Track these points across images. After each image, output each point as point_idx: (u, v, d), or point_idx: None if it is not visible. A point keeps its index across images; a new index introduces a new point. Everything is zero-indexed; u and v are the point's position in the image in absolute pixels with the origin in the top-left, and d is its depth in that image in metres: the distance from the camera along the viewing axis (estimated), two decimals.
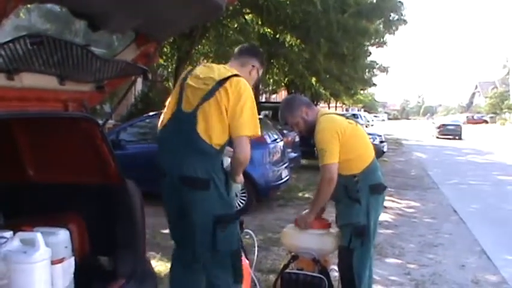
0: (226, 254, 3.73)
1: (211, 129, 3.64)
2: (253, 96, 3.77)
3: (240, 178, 3.97)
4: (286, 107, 4.72)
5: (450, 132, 42.38)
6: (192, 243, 3.86)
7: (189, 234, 3.84)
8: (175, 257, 4.23)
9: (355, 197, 4.39)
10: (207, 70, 3.84)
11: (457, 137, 41.23)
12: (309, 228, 4.65)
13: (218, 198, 3.66)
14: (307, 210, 4.74)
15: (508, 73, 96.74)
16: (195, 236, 3.77)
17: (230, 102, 3.63)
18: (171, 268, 4.28)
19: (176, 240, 4.22)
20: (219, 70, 3.81)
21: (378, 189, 4.48)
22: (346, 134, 4.38)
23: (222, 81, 3.67)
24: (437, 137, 42.20)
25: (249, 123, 3.68)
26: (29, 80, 2.89)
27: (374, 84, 40.36)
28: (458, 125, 44.04)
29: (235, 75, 3.76)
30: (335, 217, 4.68)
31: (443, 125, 44.65)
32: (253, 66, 4.12)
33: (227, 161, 3.92)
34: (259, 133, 3.78)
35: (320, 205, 4.59)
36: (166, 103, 3.96)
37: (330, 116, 4.63)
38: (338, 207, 4.63)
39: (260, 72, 4.22)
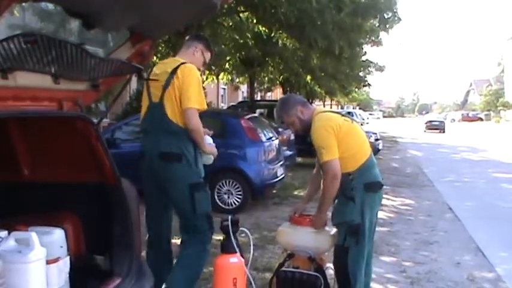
0: (203, 216, 4.44)
1: (176, 112, 4.37)
2: (199, 77, 4.50)
3: (209, 149, 4.57)
4: (282, 106, 4.76)
5: (435, 126, 52.04)
6: (166, 228, 4.74)
7: (166, 218, 4.72)
8: (148, 245, 4.76)
9: (349, 195, 4.37)
10: (162, 66, 4.62)
11: (441, 131, 50.09)
12: (321, 227, 4.65)
13: (189, 168, 4.39)
14: (314, 213, 4.71)
15: (503, 71, 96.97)
16: (176, 208, 4.57)
17: (180, 82, 4.35)
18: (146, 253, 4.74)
19: (150, 226, 4.75)
20: (170, 63, 4.56)
21: (373, 187, 4.45)
22: (342, 131, 4.37)
23: (173, 71, 4.38)
24: (425, 131, 50.87)
25: (195, 97, 4.36)
26: (23, 79, 2.88)
27: (369, 85, 40.49)
28: (442, 121, 55.42)
29: (183, 63, 4.45)
30: (331, 215, 4.65)
31: (430, 121, 56.21)
32: (196, 47, 4.75)
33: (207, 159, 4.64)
34: (206, 107, 4.51)
35: (328, 204, 4.53)
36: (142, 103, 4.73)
37: (326, 114, 4.62)
38: (333, 205, 4.61)
39: (206, 55, 4.81)
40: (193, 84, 4.35)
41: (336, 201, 4.56)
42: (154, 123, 4.46)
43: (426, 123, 54.56)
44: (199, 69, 4.62)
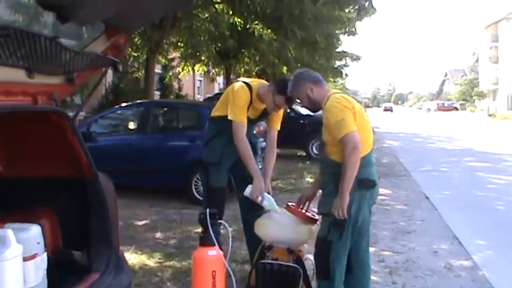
0: (203, 190, 5.60)
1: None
2: (238, 94, 5.09)
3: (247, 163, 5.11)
4: (293, 81, 4.66)
5: (388, 109, 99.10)
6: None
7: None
8: None
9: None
10: None
11: (390, 111, 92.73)
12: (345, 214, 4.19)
13: (205, 149, 5.48)
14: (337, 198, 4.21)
15: (477, 61, 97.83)
16: None
17: None
18: None
19: None
20: None
21: (366, 184, 4.28)
22: (358, 115, 4.22)
23: None
24: (383, 111, 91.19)
25: (230, 111, 5.06)
26: None
27: (346, 75, 40.56)
28: (391, 106, 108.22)
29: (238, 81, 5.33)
30: (317, 204, 4.53)
31: (385, 106, 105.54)
32: (269, 87, 5.17)
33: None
34: (235, 119, 5.01)
35: (351, 179, 4.11)
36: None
37: (344, 95, 4.44)
38: (321, 195, 4.50)
39: (276, 98, 5.06)
40: (231, 99, 5.12)
41: (325, 190, 4.43)
42: None
43: (384, 108, 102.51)
44: (274, 110, 5.28)
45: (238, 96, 5.08)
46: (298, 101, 4.80)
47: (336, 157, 4.25)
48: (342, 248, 4.33)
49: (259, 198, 4.91)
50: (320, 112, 4.53)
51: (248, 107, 5.13)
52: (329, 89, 4.58)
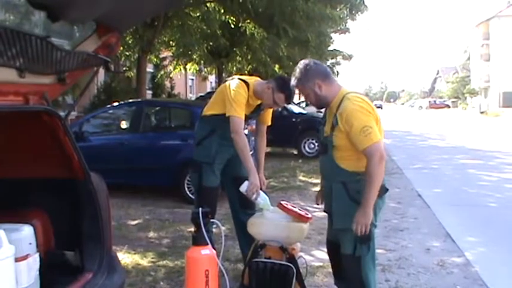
0: (194, 190, 5.51)
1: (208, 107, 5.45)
2: (237, 90, 5.05)
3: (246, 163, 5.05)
4: (300, 75, 4.19)
5: (378, 106, 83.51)
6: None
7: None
8: None
9: (355, 198, 3.98)
10: None
11: (380, 108, 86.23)
12: (367, 230, 3.92)
13: (196, 149, 5.45)
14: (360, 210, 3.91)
15: (469, 58, 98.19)
16: None
17: None
18: None
19: None
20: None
21: (380, 192, 4.03)
22: (377, 115, 4.03)
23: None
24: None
25: (229, 107, 5.03)
26: None
27: (337, 73, 40.63)
28: (381, 104, 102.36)
29: (245, 83, 5.17)
30: (333, 218, 4.24)
31: (375, 104, 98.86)
32: (269, 84, 5.15)
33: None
34: (236, 115, 4.96)
35: (376, 192, 3.90)
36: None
37: (362, 96, 4.16)
38: (334, 207, 4.17)
39: (276, 95, 5.08)
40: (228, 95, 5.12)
41: (336, 202, 4.13)
42: None
43: (374, 105, 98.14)
44: (271, 107, 5.38)
45: (238, 92, 5.06)
46: (303, 97, 4.53)
47: (348, 164, 4.03)
48: (371, 259, 4.10)
49: (255, 195, 4.89)
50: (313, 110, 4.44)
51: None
52: (340, 86, 4.24)
